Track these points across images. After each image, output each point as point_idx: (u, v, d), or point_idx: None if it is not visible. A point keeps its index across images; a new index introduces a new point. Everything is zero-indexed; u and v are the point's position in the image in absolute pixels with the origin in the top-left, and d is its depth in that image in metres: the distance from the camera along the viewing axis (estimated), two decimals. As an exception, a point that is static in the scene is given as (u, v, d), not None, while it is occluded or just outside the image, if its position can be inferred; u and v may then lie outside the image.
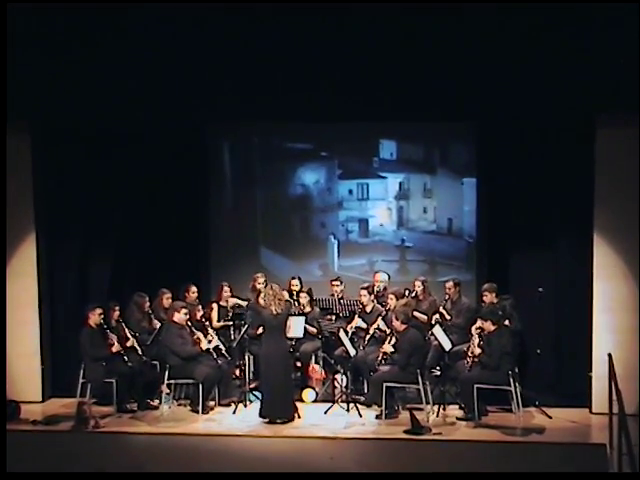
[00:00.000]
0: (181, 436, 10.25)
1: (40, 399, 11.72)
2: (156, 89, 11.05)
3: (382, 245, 13.28)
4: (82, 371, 11.10)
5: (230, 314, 12.10)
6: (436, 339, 10.99)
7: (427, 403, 10.61)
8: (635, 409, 10.26)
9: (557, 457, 9.28)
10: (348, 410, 10.93)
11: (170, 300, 11.74)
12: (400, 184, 13.19)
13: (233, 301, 12.34)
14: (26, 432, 10.52)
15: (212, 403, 11.18)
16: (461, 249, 13.02)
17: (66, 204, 12.00)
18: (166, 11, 10.30)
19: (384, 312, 11.37)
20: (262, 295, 11.02)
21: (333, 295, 12.26)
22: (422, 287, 11.92)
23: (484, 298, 11.26)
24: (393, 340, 10.67)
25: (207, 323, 11.51)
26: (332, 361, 11.75)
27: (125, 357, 11.03)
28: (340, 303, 12.08)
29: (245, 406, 11.16)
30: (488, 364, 10.39)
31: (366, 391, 11.23)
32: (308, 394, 11.45)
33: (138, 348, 11.27)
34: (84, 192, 12.06)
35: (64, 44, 10.69)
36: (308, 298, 12.07)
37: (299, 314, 11.62)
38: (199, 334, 11.11)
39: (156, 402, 11.26)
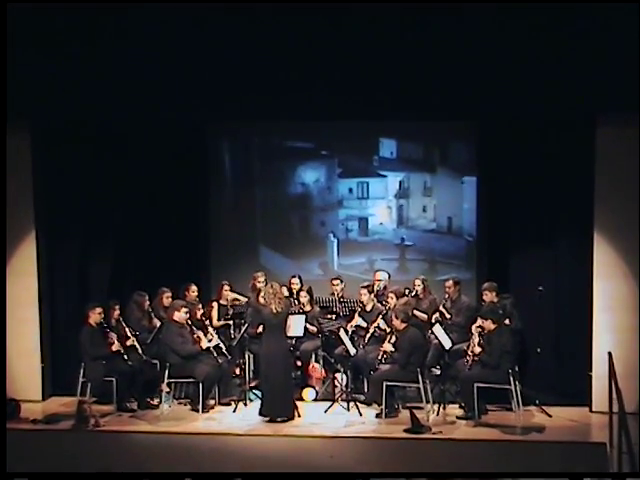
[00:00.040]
0: (181, 435, 10.26)
1: (40, 398, 11.73)
2: (156, 89, 11.02)
3: (382, 244, 13.28)
4: (82, 370, 11.09)
5: (230, 313, 12.10)
6: (436, 338, 11.00)
7: (427, 402, 10.63)
8: (635, 408, 10.27)
9: (557, 456, 9.28)
10: (348, 409, 10.95)
11: (170, 299, 11.75)
12: (400, 183, 13.19)
13: (232, 295, 12.35)
14: (26, 431, 10.53)
15: (212, 402, 11.20)
16: (461, 248, 13.02)
17: (66, 204, 12.00)
18: (166, 11, 10.31)
19: (384, 311, 11.38)
20: (262, 294, 11.04)
21: (333, 294, 12.27)
22: (422, 286, 11.92)
23: (484, 297, 11.26)
24: (393, 339, 10.68)
25: (207, 322, 11.52)
26: (332, 360, 11.76)
27: (125, 356, 11.04)
28: (340, 302, 12.09)
29: (245, 405, 11.18)
30: (488, 363, 10.40)
31: (366, 390, 11.24)
32: (308, 393, 11.46)
33: (138, 347, 11.28)
34: (84, 192, 12.06)
35: (64, 44, 10.70)
36: (308, 297, 12.08)
37: (299, 313, 11.63)
38: (199, 333, 11.11)
39: (156, 401, 11.27)
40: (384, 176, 13.22)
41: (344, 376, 11.42)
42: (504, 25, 10.22)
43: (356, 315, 11.68)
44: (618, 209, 10.73)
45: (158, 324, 11.61)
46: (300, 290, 12.21)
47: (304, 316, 11.45)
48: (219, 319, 12.17)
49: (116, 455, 9.57)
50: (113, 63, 10.86)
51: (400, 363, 10.58)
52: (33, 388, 11.70)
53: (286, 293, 11.71)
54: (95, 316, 11.08)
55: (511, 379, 10.35)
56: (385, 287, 12.09)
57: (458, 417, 10.66)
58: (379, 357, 10.75)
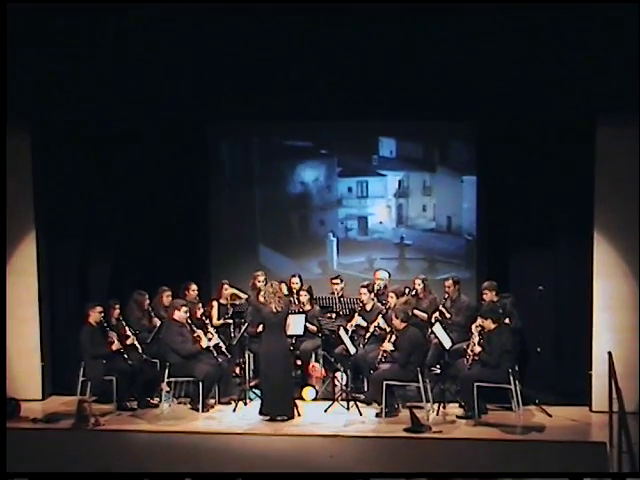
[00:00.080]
0: (181, 434, 10.26)
1: (40, 397, 11.74)
2: (156, 89, 11.03)
3: (381, 243, 13.29)
4: (82, 369, 11.11)
5: (230, 312, 12.11)
6: (436, 337, 11.01)
7: (427, 401, 10.64)
8: (635, 407, 10.27)
9: (557, 455, 9.29)
10: (348, 408, 10.95)
11: (170, 298, 11.76)
12: (399, 182, 13.19)
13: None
14: (26, 430, 10.54)
15: (212, 401, 11.21)
16: (460, 247, 13.03)
17: (66, 204, 12.01)
18: (166, 11, 10.32)
19: (384, 310, 11.39)
20: (262, 293, 11.05)
21: (333, 293, 12.27)
22: (422, 285, 11.92)
23: (484, 296, 11.26)
24: (393, 338, 10.69)
25: (207, 321, 11.52)
26: (332, 359, 11.76)
27: (125, 355, 11.06)
28: (340, 301, 12.10)
29: (245, 404, 11.19)
30: (488, 362, 10.41)
31: (366, 389, 11.25)
32: (308, 392, 11.47)
33: (138, 346, 11.32)
34: (84, 192, 12.06)
35: (64, 44, 10.71)
36: (308, 296, 12.08)
37: (299, 312, 11.63)
38: (199, 332, 11.12)
39: (156, 400, 11.28)
40: (384, 175, 13.22)
41: (344, 375, 11.44)
42: (504, 25, 10.23)
43: (356, 314, 11.69)
44: (618, 209, 10.74)
45: (158, 323, 11.62)
46: (300, 289, 12.22)
47: (304, 315, 11.47)
48: (219, 318, 12.18)
49: (116, 454, 9.57)
50: (113, 63, 10.87)
51: (400, 362, 10.59)
52: (33, 387, 11.72)
53: (286, 291, 11.72)
54: (95, 315, 11.09)
55: (511, 378, 10.36)
56: (385, 286, 12.09)
57: (458, 416, 10.66)
58: (379, 356, 10.75)
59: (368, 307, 11.69)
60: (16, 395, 11.34)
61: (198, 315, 11.38)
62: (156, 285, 11.91)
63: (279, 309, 10.61)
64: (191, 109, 11.45)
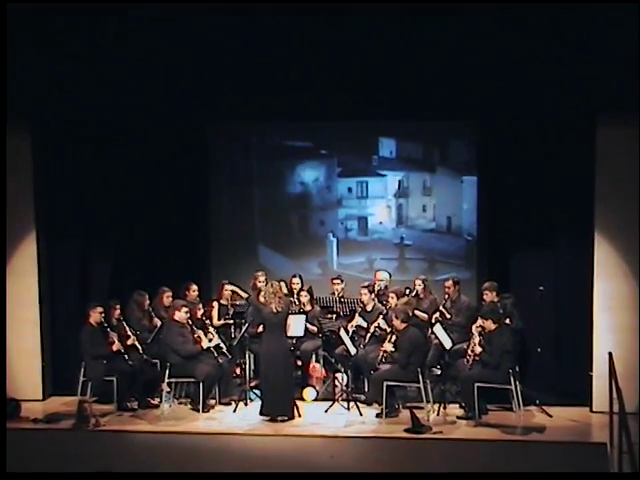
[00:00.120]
0: (182, 435, 10.27)
1: (41, 397, 11.74)
2: (156, 89, 11.04)
3: (381, 243, 13.27)
4: (83, 369, 11.11)
5: (231, 312, 12.11)
6: (437, 338, 11.00)
7: (427, 402, 10.63)
8: (635, 408, 10.25)
9: (557, 456, 9.29)
10: (348, 409, 10.95)
11: (170, 298, 11.75)
12: (399, 182, 13.18)
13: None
14: (27, 430, 10.54)
15: (213, 402, 11.20)
16: (460, 247, 13.01)
17: (66, 204, 12.01)
18: (166, 11, 10.32)
19: (385, 311, 11.38)
20: (262, 293, 11.05)
21: (334, 294, 12.26)
22: (423, 286, 11.91)
23: (485, 297, 11.25)
24: (393, 339, 10.68)
25: (208, 322, 11.51)
26: (333, 360, 11.75)
27: (126, 355, 11.05)
28: (340, 302, 12.08)
29: (246, 404, 11.18)
30: (489, 363, 10.40)
31: (366, 390, 11.24)
32: (309, 393, 11.47)
33: (139, 346, 11.30)
34: (84, 192, 12.07)
35: (64, 44, 10.72)
36: (309, 297, 12.07)
37: (300, 313, 11.63)
38: (200, 333, 11.11)
39: (157, 400, 11.28)
40: (383, 175, 13.21)
41: (344, 376, 11.43)
42: (504, 25, 10.23)
43: (356, 315, 11.67)
44: (618, 209, 10.73)
45: (158, 323, 11.62)
46: (301, 290, 12.21)
47: (304, 316, 11.46)
48: (219, 319, 12.15)
49: (116, 455, 9.58)
50: (113, 63, 10.87)
51: (400, 363, 10.58)
52: (34, 387, 11.71)
53: (286, 291, 11.71)
54: (96, 315, 11.09)
55: (511, 379, 10.35)
56: (386, 287, 12.09)
57: (458, 417, 10.66)
58: (379, 357, 10.74)
59: (368, 308, 11.68)
60: (16, 395, 11.34)
61: (199, 315, 11.37)
62: (156, 285, 11.91)
63: (279, 309, 10.61)
64: (191, 109, 11.45)
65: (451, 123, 12.47)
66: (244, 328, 11.43)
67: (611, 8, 9.77)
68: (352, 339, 11.33)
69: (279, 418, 10.56)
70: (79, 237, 12.21)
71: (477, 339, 10.59)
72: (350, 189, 13.28)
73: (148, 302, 11.74)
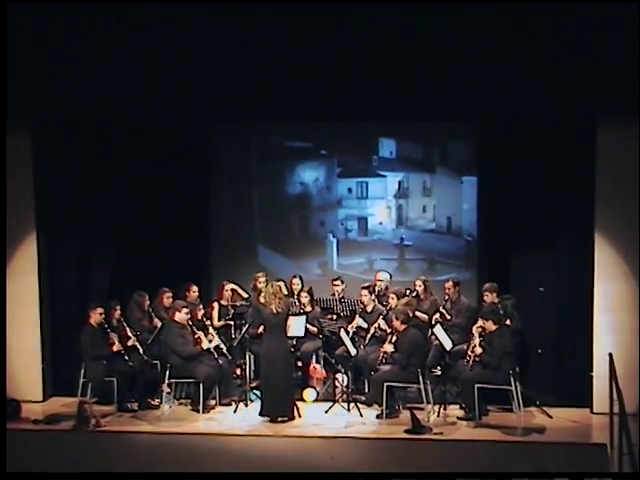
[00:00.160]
0: (182, 435, 10.27)
1: (41, 398, 11.73)
2: (156, 89, 11.02)
3: (381, 244, 13.27)
4: (83, 370, 11.11)
5: (231, 313, 12.10)
6: (437, 339, 11.00)
7: (428, 403, 10.63)
8: (635, 409, 10.24)
9: (558, 457, 9.27)
10: (349, 409, 10.95)
11: (170, 299, 11.75)
12: (399, 183, 13.17)
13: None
14: (27, 431, 10.54)
15: (213, 402, 11.20)
16: (460, 248, 13.01)
17: (66, 204, 12.01)
18: (166, 11, 10.31)
19: (385, 312, 11.38)
20: (263, 294, 11.04)
21: (334, 294, 12.25)
22: (423, 286, 11.91)
23: (485, 298, 11.25)
24: (394, 339, 10.68)
25: (208, 322, 11.51)
26: (333, 360, 11.76)
27: (126, 356, 11.05)
28: (341, 302, 12.07)
29: (246, 405, 11.17)
30: (489, 364, 10.40)
31: (367, 391, 11.25)
32: (309, 393, 11.46)
33: (139, 347, 11.30)
34: (84, 191, 12.06)
35: (64, 44, 10.71)
36: (309, 297, 12.07)
37: (300, 313, 11.62)
38: (200, 333, 11.11)
39: (157, 401, 11.27)
40: (383, 176, 13.21)
41: (345, 377, 11.42)
42: (504, 25, 10.22)
43: (357, 316, 11.66)
44: (619, 209, 10.73)
45: (159, 324, 11.61)
46: (301, 290, 12.21)
47: (305, 316, 11.45)
48: (220, 319, 12.15)
49: (117, 456, 9.58)
50: (113, 63, 10.85)
51: (401, 364, 10.58)
52: (34, 388, 11.71)
53: (286, 292, 11.69)
54: (96, 316, 11.09)
55: (512, 380, 10.35)
56: (386, 288, 12.09)
57: (459, 418, 10.66)
58: (380, 358, 10.74)
59: (369, 308, 11.67)
60: (17, 396, 11.34)
61: (199, 316, 11.37)
62: (156, 286, 11.91)
63: (279, 310, 10.61)
64: (191, 109, 11.44)
65: (451, 124, 12.45)
66: (244, 329, 11.43)
67: (611, 8, 9.75)
68: (352, 340, 11.33)
69: (279, 419, 10.57)
70: (79, 237, 12.20)
71: (477, 340, 10.58)
72: (350, 189, 13.28)
73: (148, 303, 11.73)
